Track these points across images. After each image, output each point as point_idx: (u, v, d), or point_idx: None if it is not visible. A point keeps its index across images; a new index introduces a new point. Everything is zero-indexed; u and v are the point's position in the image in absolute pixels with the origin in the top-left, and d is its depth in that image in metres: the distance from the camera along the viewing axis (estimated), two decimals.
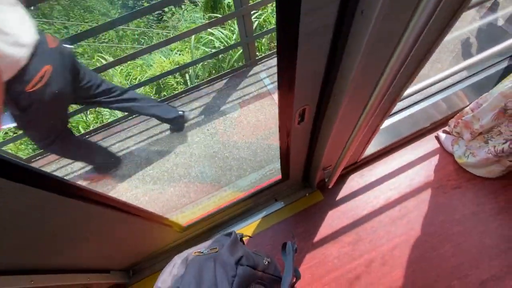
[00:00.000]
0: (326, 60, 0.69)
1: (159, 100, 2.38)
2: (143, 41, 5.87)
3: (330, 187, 1.35)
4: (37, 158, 2.49)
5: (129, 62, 3.73)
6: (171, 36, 2.18)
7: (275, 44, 3.58)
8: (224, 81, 2.69)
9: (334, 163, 1.34)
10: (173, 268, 0.64)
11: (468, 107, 1.43)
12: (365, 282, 1.37)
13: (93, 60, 4.04)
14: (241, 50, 3.03)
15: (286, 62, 0.63)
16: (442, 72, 1.25)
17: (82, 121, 3.18)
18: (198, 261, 0.62)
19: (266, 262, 0.71)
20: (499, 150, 1.28)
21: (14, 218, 0.70)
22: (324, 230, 1.51)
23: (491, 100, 1.24)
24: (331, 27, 0.61)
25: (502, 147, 1.27)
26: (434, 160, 1.65)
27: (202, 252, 0.65)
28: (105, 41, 6.02)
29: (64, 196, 0.73)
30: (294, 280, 0.86)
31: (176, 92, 2.67)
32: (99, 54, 4.10)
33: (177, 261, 0.66)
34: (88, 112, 3.24)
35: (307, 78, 0.74)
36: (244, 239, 0.82)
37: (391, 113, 1.66)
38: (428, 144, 1.71)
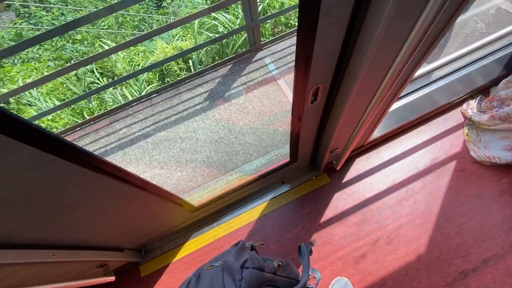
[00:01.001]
0: (344, 35, 0.70)
1: None
2: (143, 27, 5.79)
3: (338, 168, 1.38)
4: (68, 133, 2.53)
5: (131, 48, 3.69)
6: (171, 22, 2.14)
7: (279, 29, 3.49)
8: (228, 66, 2.67)
9: (342, 145, 1.36)
10: (188, 285, 0.65)
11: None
12: (370, 260, 1.41)
13: (95, 47, 4.00)
14: (245, 36, 2.99)
15: (305, 35, 0.63)
16: (449, 55, 1.25)
17: (85, 107, 3.18)
18: (209, 274, 0.63)
19: (276, 264, 0.69)
20: None
21: (35, 190, 0.71)
22: (331, 211, 1.54)
23: None
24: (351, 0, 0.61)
25: None
26: (440, 144, 1.67)
27: (213, 266, 0.66)
28: (104, 27, 5.93)
29: (87, 169, 0.74)
30: (316, 283, 0.86)
31: (179, 78, 2.66)
32: (101, 40, 4.05)
33: (191, 277, 0.68)
34: (92, 99, 3.23)
35: (324, 54, 0.74)
36: (256, 246, 0.82)
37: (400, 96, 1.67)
38: (433, 128, 1.72)
